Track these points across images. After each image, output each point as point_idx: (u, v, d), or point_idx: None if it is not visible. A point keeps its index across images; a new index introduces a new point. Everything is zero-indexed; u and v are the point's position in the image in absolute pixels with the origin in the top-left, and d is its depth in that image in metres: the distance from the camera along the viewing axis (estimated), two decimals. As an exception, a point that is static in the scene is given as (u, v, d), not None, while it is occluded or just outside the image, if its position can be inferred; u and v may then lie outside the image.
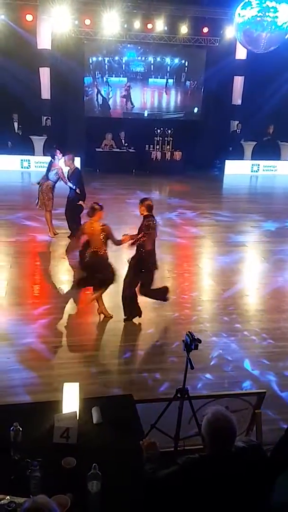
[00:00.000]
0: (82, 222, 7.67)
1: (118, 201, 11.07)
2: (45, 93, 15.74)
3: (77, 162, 15.05)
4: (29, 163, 15.57)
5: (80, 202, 8.83)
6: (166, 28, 15.45)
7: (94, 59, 16.30)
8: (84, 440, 2.97)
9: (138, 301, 6.14)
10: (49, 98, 15.80)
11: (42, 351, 5.55)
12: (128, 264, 5.98)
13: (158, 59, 16.72)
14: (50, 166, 9.20)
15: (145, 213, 5.77)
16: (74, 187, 9.05)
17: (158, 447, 2.81)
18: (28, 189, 13.84)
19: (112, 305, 6.33)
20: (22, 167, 15.59)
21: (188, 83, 17.25)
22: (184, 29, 15.48)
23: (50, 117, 15.84)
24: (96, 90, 16.61)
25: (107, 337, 5.99)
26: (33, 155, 15.67)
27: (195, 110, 17.42)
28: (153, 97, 17.26)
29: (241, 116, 17.00)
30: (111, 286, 6.07)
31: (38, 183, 9.24)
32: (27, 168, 15.58)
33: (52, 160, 9.19)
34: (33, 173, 15.37)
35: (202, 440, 2.49)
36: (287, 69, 15.09)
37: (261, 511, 2.52)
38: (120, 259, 6.43)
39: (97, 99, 16.77)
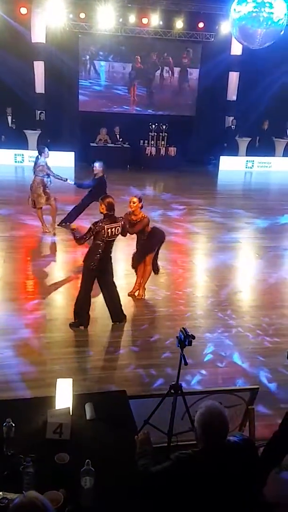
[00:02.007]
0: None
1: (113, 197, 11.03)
2: (39, 87, 15.65)
3: (71, 156, 15.11)
4: (22, 157, 15.47)
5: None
6: (161, 22, 15.41)
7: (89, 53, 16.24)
8: (77, 436, 2.96)
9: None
10: (43, 92, 15.72)
11: (35, 346, 5.53)
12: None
13: (153, 53, 16.66)
14: (36, 162, 9.14)
15: (105, 211, 5.55)
16: (73, 183, 9.11)
17: (151, 442, 2.82)
18: (22, 184, 13.77)
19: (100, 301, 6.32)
20: (16, 162, 15.50)
21: (183, 78, 17.21)
22: (179, 24, 15.44)
23: (44, 111, 15.76)
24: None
25: (100, 333, 5.98)
26: (27, 149, 15.58)
27: (190, 105, 17.38)
28: (148, 93, 17.20)
29: (236, 112, 17.00)
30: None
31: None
32: (21, 162, 15.49)
33: (39, 156, 9.12)
34: (26, 167, 15.28)
35: (195, 433, 2.50)
36: (282, 65, 15.09)
37: (253, 505, 2.53)
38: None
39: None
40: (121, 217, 5.77)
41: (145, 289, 6.83)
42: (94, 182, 8.86)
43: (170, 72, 17.03)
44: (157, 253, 6.75)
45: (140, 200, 6.38)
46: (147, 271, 6.70)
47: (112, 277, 5.93)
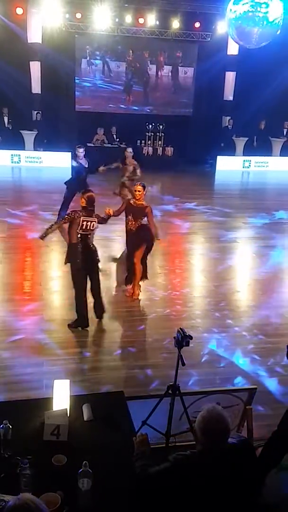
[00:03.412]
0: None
1: (110, 197, 11.02)
2: (36, 88, 15.61)
3: (68, 157, 15.05)
4: (19, 158, 15.43)
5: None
6: (157, 22, 15.38)
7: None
8: (74, 438, 2.95)
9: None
10: (40, 92, 15.68)
11: (32, 347, 5.51)
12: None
13: (150, 53, 16.66)
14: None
15: (84, 205, 5.65)
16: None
17: (149, 443, 2.80)
18: (19, 184, 13.77)
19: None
20: (12, 162, 15.45)
21: (179, 78, 17.21)
22: (176, 23, 15.43)
23: (40, 112, 15.72)
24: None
25: (98, 334, 5.97)
26: (24, 149, 15.55)
27: (187, 105, 17.38)
28: (144, 93, 17.20)
29: (233, 111, 17.01)
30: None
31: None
32: (18, 163, 15.44)
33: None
34: (23, 168, 15.28)
35: (195, 435, 2.49)
36: (279, 65, 15.08)
37: (252, 507, 2.52)
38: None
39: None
40: (96, 214, 5.81)
41: (139, 286, 6.82)
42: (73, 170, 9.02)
43: (167, 72, 17.02)
44: (145, 257, 6.73)
45: (144, 187, 6.55)
46: (137, 269, 6.68)
47: (98, 275, 5.98)
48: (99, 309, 6.07)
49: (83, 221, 5.54)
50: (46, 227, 5.97)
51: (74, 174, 9.24)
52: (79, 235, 5.62)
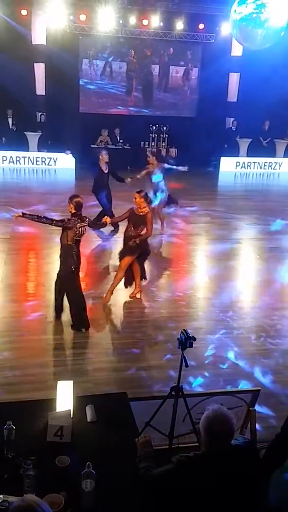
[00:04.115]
0: None
1: (114, 198, 11.04)
2: (40, 89, 15.67)
3: (72, 158, 15.09)
4: (24, 159, 15.46)
5: None
6: (161, 24, 15.41)
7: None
8: (78, 439, 2.95)
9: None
10: (44, 93, 15.73)
11: (36, 348, 5.52)
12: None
13: (154, 55, 16.66)
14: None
15: (73, 211, 5.61)
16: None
17: (152, 444, 2.80)
18: (23, 186, 13.79)
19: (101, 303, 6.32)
20: (16, 163, 15.48)
21: (183, 79, 17.21)
22: (179, 25, 15.44)
23: (44, 113, 15.76)
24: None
25: (101, 335, 5.97)
26: (28, 151, 15.59)
27: (190, 106, 17.38)
28: (148, 94, 17.20)
29: (237, 113, 16.99)
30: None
31: None
32: (22, 164, 15.47)
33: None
34: (27, 169, 15.32)
35: (199, 436, 2.49)
36: (283, 66, 15.06)
37: (255, 509, 2.51)
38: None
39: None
40: (85, 216, 5.80)
41: (112, 293, 6.61)
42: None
43: (171, 73, 17.02)
44: (142, 266, 6.68)
45: (146, 197, 6.50)
46: (118, 276, 6.54)
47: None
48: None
49: (79, 227, 5.56)
50: (33, 214, 5.88)
51: (94, 177, 9.38)
52: (73, 242, 5.61)
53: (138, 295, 6.81)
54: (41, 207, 10.58)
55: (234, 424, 2.45)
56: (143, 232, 6.42)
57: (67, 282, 5.77)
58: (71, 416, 3.04)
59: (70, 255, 5.63)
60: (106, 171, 9.35)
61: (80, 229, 5.58)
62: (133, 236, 6.39)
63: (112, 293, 6.61)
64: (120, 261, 6.55)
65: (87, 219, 5.76)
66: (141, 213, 6.43)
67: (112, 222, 6.18)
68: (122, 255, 6.55)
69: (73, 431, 2.95)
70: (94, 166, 9.53)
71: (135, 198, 6.41)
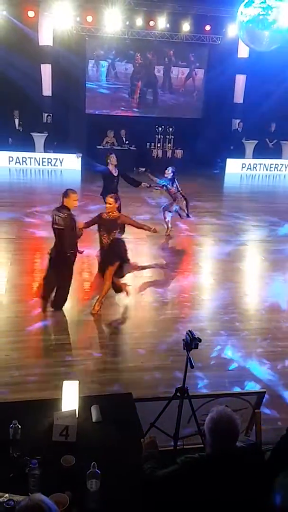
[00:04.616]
0: None
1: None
2: (47, 90, 15.70)
3: (78, 159, 15.12)
4: (30, 160, 15.52)
5: None
6: (168, 25, 15.42)
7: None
8: (83, 439, 2.96)
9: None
10: (51, 94, 15.76)
11: (41, 348, 5.54)
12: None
13: (160, 56, 16.68)
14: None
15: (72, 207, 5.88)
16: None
17: (157, 445, 2.81)
18: (30, 186, 13.84)
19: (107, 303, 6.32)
20: (23, 164, 15.54)
21: (189, 81, 17.22)
22: (186, 26, 15.45)
23: (51, 114, 15.79)
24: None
25: (106, 335, 5.98)
26: (34, 152, 15.64)
27: (196, 108, 17.39)
28: (154, 95, 17.22)
29: (243, 114, 16.97)
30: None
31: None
32: (28, 165, 15.53)
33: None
34: (34, 170, 15.36)
35: (204, 437, 2.48)
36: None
37: (261, 511, 2.51)
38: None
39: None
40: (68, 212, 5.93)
41: (102, 303, 6.38)
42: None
43: (177, 75, 17.03)
44: (121, 271, 6.42)
45: (116, 200, 6.39)
46: (106, 286, 6.33)
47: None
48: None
49: (53, 215, 5.93)
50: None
51: (103, 181, 9.26)
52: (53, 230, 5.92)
53: (95, 310, 6.34)
54: (46, 208, 10.61)
55: (239, 425, 2.44)
56: (117, 235, 6.35)
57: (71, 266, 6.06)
58: (77, 416, 3.05)
59: (72, 240, 5.97)
60: (115, 174, 9.23)
61: (54, 217, 5.85)
62: (109, 243, 6.24)
63: (101, 303, 6.37)
64: (103, 272, 6.34)
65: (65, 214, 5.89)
66: (111, 218, 6.28)
67: (84, 228, 6.16)
68: (104, 265, 6.34)
69: (78, 431, 2.95)
70: (100, 171, 9.35)
71: (109, 203, 6.25)
